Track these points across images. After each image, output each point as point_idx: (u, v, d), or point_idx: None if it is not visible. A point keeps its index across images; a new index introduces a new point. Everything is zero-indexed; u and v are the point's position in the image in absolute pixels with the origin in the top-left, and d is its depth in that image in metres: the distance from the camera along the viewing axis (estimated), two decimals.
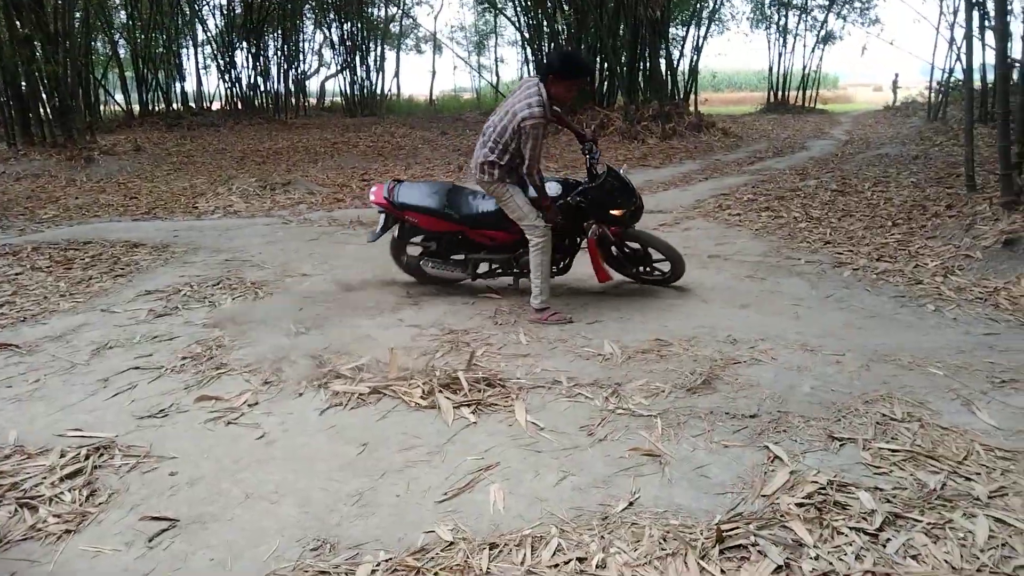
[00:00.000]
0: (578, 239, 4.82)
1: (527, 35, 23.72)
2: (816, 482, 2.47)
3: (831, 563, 2.08)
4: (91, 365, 3.77)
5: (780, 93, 30.94)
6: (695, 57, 23.70)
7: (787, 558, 2.10)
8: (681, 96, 21.18)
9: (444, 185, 4.96)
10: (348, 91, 28.92)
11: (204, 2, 25.77)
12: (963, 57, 9.58)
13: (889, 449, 2.70)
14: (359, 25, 28.36)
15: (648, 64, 19.08)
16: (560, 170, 11.29)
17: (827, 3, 28.91)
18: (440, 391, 3.26)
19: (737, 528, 2.24)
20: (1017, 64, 6.90)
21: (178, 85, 25.13)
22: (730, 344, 3.89)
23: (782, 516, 2.30)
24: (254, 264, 5.91)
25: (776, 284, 5.18)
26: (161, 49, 23.81)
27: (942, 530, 2.21)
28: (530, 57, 24.18)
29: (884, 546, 2.15)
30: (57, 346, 4.04)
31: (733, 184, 10.15)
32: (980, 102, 12.75)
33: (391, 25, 31.52)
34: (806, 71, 30.43)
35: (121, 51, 25.29)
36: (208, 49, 26.73)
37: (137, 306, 4.76)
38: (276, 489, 2.59)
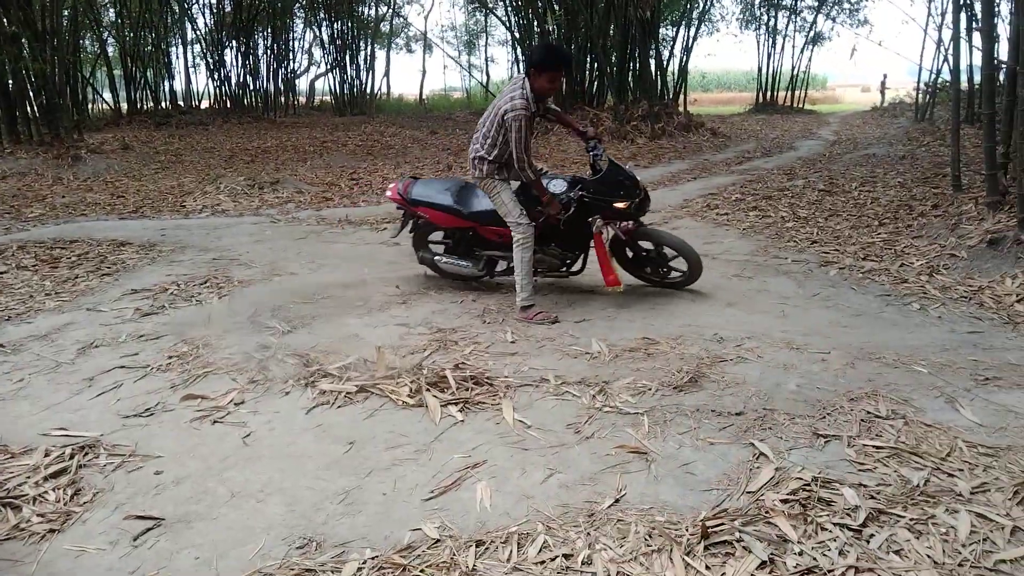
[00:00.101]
0: (590, 240, 4.73)
1: (517, 35, 23.71)
2: (801, 479, 2.48)
3: (815, 559, 2.10)
4: (76, 364, 3.74)
5: (769, 94, 31.09)
6: (685, 57, 23.77)
7: (771, 554, 2.11)
8: (670, 96, 21.22)
9: (457, 182, 4.97)
10: (338, 90, 28.83)
11: (193, 0, 25.65)
12: (950, 58, 9.67)
13: (873, 446, 2.72)
14: (349, 24, 28.27)
15: (638, 64, 19.11)
16: (549, 170, 11.29)
17: (816, 4, 29.08)
18: (427, 389, 3.26)
19: (722, 524, 2.25)
20: (1003, 66, 6.95)
21: (167, 83, 25.01)
22: (717, 342, 3.91)
23: (767, 512, 2.31)
24: (242, 263, 5.89)
25: (763, 283, 5.20)
26: (150, 47, 23.66)
27: (925, 525, 2.24)
28: (520, 57, 24.18)
29: (868, 542, 2.17)
30: (42, 345, 4.01)
31: (721, 184, 10.19)
32: (967, 103, 12.84)
33: (381, 24, 31.46)
34: (795, 72, 30.61)
35: (110, 49, 25.09)
36: (197, 47, 26.58)
37: (123, 305, 4.73)
38: (262, 488, 2.58)
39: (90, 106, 22.73)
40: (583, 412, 3.09)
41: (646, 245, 4.84)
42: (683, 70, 23.73)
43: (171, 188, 10.04)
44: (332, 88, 29.52)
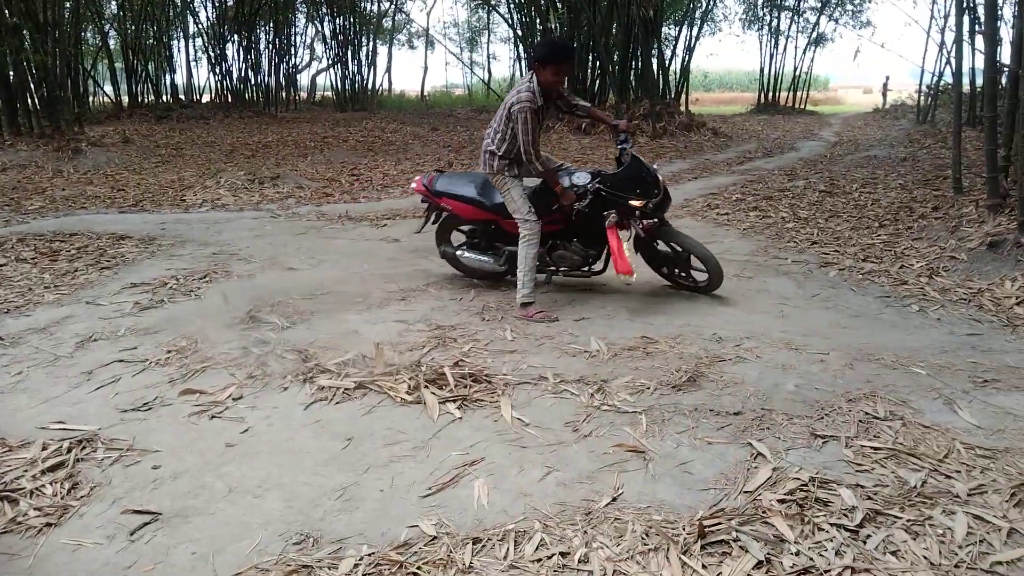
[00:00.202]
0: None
1: (520, 32, 23.73)
2: (798, 479, 2.48)
3: (811, 559, 2.10)
4: (75, 358, 3.74)
5: (771, 94, 31.09)
6: (687, 57, 23.79)
7: (768, 554, 2.11)
8: (672, 95, 21.23)
9: (481, 176, 4.93)
10: (339, 86, 28.84)
11: None
12: (952, 61, 9.66)
13: (871, 447, 2.72)
14: (351, 20, 28.25)
15: (640, 63, 19.11)
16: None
17: (819, 5, 29.06)
18: (426, 386, 3.26)
19: (719, 524, 2.25)
20: (1005, 69, 6.94)
21: (168, 77, 25.00)
22: (715, 342, 3.91)
23: (764, 512, 2.31)
24: (241, 258, 5.88)
25: (763, 283, 5.20)
26: (151, 40, 23.65)
27: (921, 527, 2.24)
28: (522, 55, 24.17)
29: (864, 542, 2.17)
30: (41, 338, 4.01)
31: (722, 184, 10.19)
32: (968, 106, 12.82)
33: (383, 20, 31.43)
34: (797, 72, 30.62)
35: (111, 41, 25.10)
36: (199, 41, 26.61)
37: (122, 299, 4.73)
38: (260, 483, 2.58)
39: (91, 99, 22.74)
40: (581, 410, 3.09)
41: (664, 247, 4.76)
42: (685, 69, 23.74)
43: (171, 182, 10.03)
44: (333, 84, 29.56)
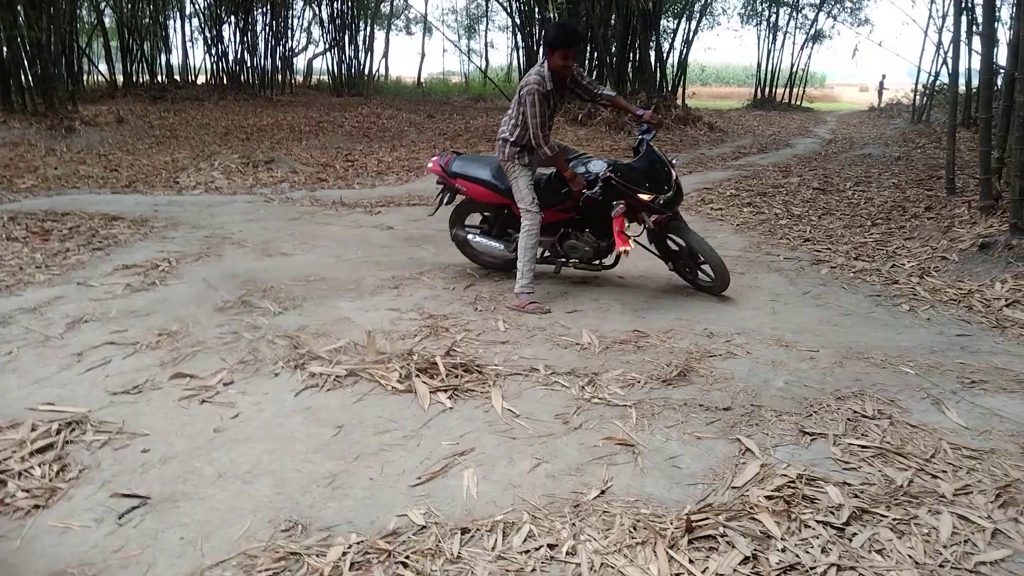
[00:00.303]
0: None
1: (518, 21, 23.60)
2: (786, 475, 2.50)
3: (798, 555, 2.11)
4: (65, 339, 3.72)
5: (767, 89, 31.03)
6: (685, 50, 23.69)
7: (755, 549, 2.13)
8: (669, 89, 21.17)
9: (497, 160, 4.92)
10: (335, 70, 28.66)
11: None
12: (949, 61, 9.67)
13: (859, 445, 2.74)
14: (349, 4, 28.04)
15: (638, 55, 19.05)
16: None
17: (818, 2, 29.00)
18: (417, 375, 3.26)
19: (707, 519, 2.27)
20: (1002, 70, 6.96)
21: (163, 57, 24.82)
22: (706, 337, 3.92)
23: (751, 508, 2.33)
24: (234, 242, 5.86)
25: (755, 279, 5.22)
26: (147, 19, 23.44)
27: (907, 525, 2.26)
28: (520, 43, 24.07)
29: (850, 540, 2.19)
30: (31, 318, 3.99)
31: (716, 179, 10.20)
32: (964, 107, 12.88)
33: (381, 5, 31.23)
34: (794, 69, 30.54)
35: (107, 20, 24.86)
36: (195, 21, 26.45)
37: (114, 280, 4.71)
38: (249, 469, 2.58)
39: (85, 77, 22.51)
40: (572, 403, 3.10)
41: (674, 244, 4.71)
42: (683, 63, 23.66)
43: (165, 163, 9.97)
44: (330, 68, 29.37)
